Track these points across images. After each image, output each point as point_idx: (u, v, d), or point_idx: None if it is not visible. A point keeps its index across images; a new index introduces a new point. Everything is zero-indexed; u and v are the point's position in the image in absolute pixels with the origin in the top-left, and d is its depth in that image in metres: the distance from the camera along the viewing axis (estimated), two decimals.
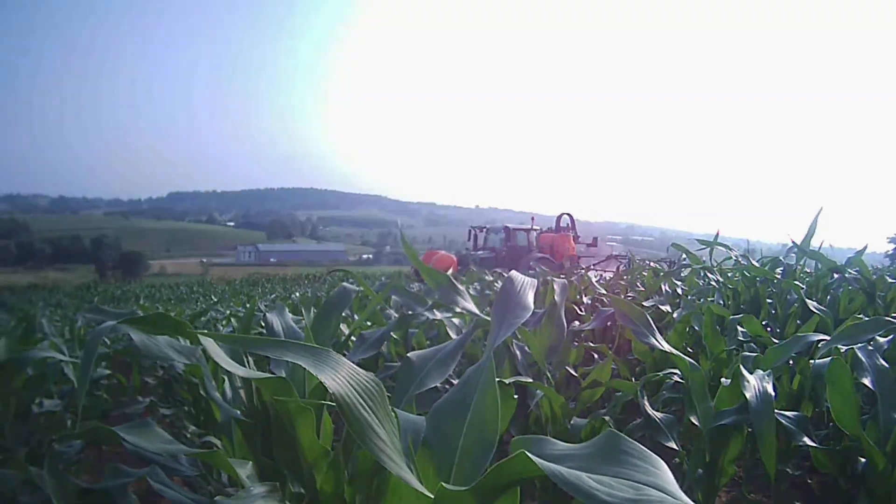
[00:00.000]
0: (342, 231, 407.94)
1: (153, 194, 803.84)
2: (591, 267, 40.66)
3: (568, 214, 47.07)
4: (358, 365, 1.58)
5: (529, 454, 1.15)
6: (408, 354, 2.42)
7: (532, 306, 2.11)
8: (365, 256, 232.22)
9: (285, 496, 2.06)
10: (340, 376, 1.46)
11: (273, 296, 20.57)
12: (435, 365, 2.32)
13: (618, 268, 39.30)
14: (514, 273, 2.38)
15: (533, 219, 47.36)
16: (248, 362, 2.67)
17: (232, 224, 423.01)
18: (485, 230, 46.19)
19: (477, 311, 3.43)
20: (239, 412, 2.59)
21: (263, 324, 3.06)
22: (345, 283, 3.14)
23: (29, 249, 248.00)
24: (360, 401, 1.42)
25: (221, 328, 8.53)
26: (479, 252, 43.16)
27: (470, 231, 46.39)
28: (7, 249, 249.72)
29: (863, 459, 3.40)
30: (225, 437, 3.43)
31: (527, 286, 2.24)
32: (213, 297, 34.43)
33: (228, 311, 10.21)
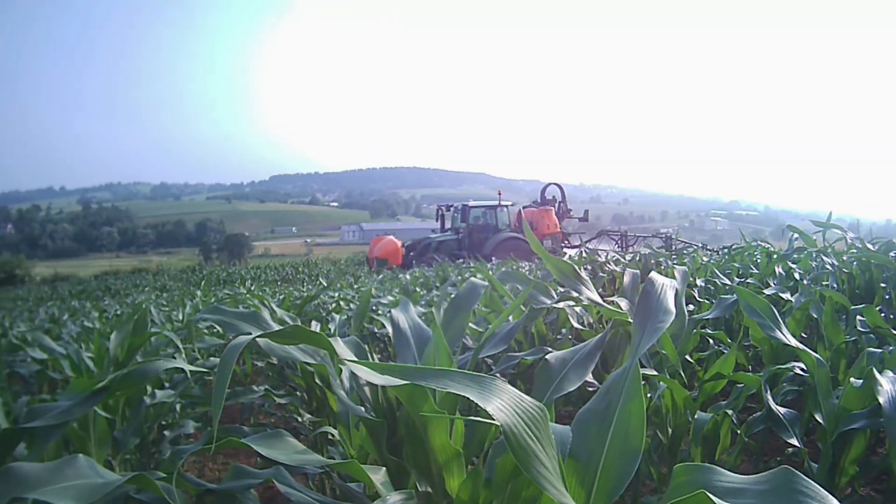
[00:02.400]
0: None
1: (255, 178, 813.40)
2: (583, 245, 38.89)
3: (556, 185, 43.74)
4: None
5: (709, 494, 1.09)
6: (546, 356, 2.36)
7: (674, 309, 2.02)
8: None
9: (417, 501, 2.02)
10: (506, 405, 1.40)
11: (380, 276, 20.55)
12: (573, 367, 2.26)
13: (628, 245, 37.79)
14: (654, 275, 2.29)
15: (500, 193, 43.24)
16: (370, 351, 2.64)
17: (335, 204, 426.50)
18: (452, 209, 42.18)
19: (602, 303, 3.36)
20: (363, 409, 2.54)
21: (389, 320, 3.01)
22: (473, 279, 3.07)
23: (132, 235, 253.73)
24: (526, 429, 1.37)
25: (328, 313, 8.54)
26: (437, 235, 40.45)
27: (437, 210, 43.08)
28: (110, 236, 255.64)
29: None
30: (342, 427, 3.40)
31: (667, 288, 2.16)
32: (319, 278, 34.55)
33: (337, 295, 10.18)
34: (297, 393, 5.14)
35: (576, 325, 4.81)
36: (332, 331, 5.54)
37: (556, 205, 42.04)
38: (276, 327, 2.35)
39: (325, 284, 13.59)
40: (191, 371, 2.56)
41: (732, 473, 1.33)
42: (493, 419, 1.34)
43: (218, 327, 7.76)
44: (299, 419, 5.05)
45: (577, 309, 4.97)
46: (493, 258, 30.17)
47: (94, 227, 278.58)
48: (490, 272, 15.00)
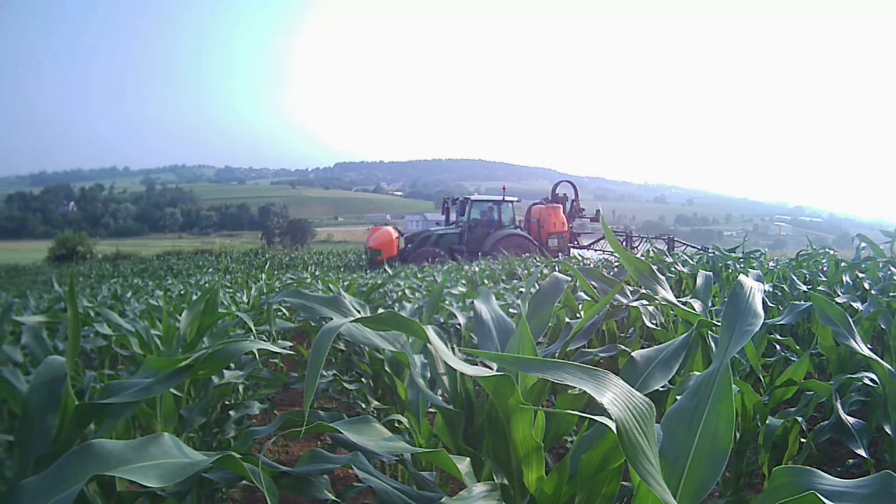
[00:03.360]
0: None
1: (320, 164, 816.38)
2: (591, 247, 38.02)
3: (569, 181, 42.27)
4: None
5: (820, 496, 1.09)
6: (632, 354, 2.36)
7: (762, 313, 2.01)
8: None
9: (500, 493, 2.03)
10: (619, 399, 1.41)
11: (445, 266, 20.53)
12: (658, 366, 2.26)
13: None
14: (742, 277, 2.28)
15: (504, 187, 41.40)
16: (449, 342, 2.65)
17: (400, 194, 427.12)
18: (458, 202, 40.23)
19: (677, 303, 3.35)
20: (441, 398, 2.55)
21: (461, 311, 3.02)
22: (556, 273, 3.08)
23: (195, 216, 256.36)
24: (636, 425, 1.37)
25: (395, 301, 8.56)
26: (438, 228, 39.32)
27: (444, 203, 41.36)
28: (173, 217, 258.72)
29: None
30: (411, 416, 3.41)
31: (755, 291, 2.14)
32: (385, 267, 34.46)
33: (404, 283, 10.16)
34: (363, 380, 5.16)
35: (648, 323, 4.78)
36: None
37: (570, 203, 40.75)
38: (356, 313, 2.36)
39: (390, 273, 13.56)
40: (271, 353, 2.57)
41: (832, 477, 1.33)
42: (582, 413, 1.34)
43: (284, 310, 7.83)
44: (363, 405, 5.07)
45: (650, 308, 4.95)
46: (493, 255, 29.83)
47: (157, 207, 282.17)
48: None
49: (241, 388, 5.41)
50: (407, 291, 9.04)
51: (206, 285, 15.49)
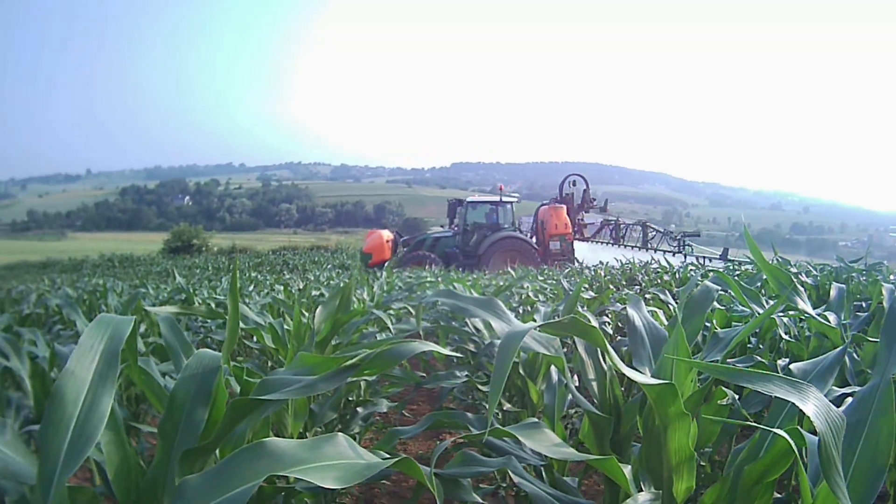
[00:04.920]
0: (627, 207, 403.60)
1: (437, 164, 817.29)
2: (592, 239, 36.61)
3: (580, 176, 40.71)
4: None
5: None
6: (790, 367, 2.37)
7: None
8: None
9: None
10: (820, 412, 1.43)
11: (567, 269, 20.47)
12: (814, 379, 2.26)
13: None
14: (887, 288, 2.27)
15: (501, 188, 40.73)
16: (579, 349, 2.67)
17: (516, 196, 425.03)
18: (462, 205, 37.65)
19: (814, 315, 3.33)
20: (590, 404, 2.57)
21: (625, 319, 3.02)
22: (707, 282, 3.07)
23: (310, 213, 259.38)
24: (833, 438, 1.39)
25: (519, 304, 8.57)
26: (434, 231, 38.02)
27: (449, 205, 39.02)
28: (289, 212, 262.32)
29: None
30: (546, 420, 3.44)
31: None
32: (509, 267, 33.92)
33: (528, 286, 10.09)
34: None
35: (783, 335, 4.72)
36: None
37: (581, 196, 39.43)
38: (511, 316, 2.39)
39: (515, 275, 13.53)
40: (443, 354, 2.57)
41: None
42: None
43: (409, 308, 7.88)
44: (479, 402, 5.09)
45: (786, 319, 4.90)
46: (489, 259, 29.84)
47: (272, 203, 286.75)
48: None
49: (363, 384, 5.47)
50: (531, 294, 9.02)
51: (328, 282, 15.63)
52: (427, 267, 26.22)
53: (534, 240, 35.88)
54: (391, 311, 7.25)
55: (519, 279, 10.83)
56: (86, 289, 14.91)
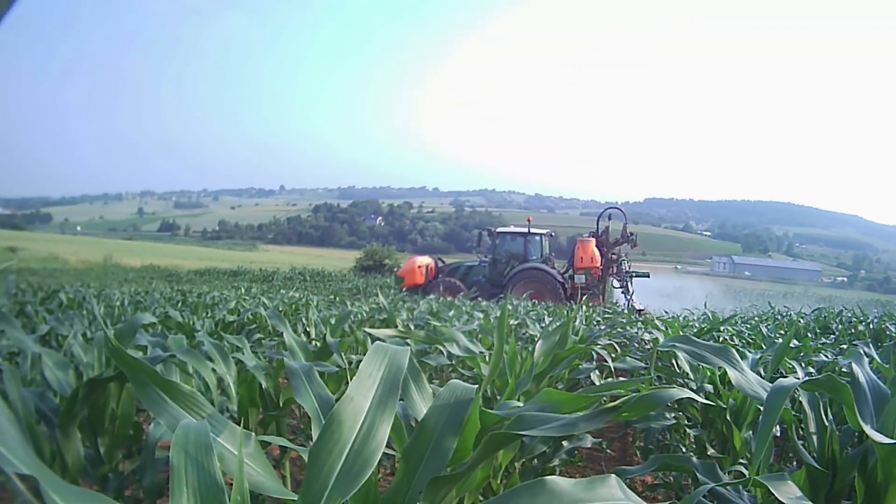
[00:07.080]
0: (818, 250, 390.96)
1: (630, 198, 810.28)
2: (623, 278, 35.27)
3: (617, 208, 39.61)
4: None
5: None
6: None
7: None
8: (839, 279, 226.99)
9: None
10: None
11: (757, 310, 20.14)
12: None
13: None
14: None
15: (530, 220, 39.60)
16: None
17: (708, 234, 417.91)
18: (492, 235, 38.50)
19: None
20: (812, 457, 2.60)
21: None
22: None
23: None
24: None
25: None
26: (468, 261, 38.96)
27: (479, 235, 40.42)
28: (481, 237, 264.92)
29: None
30: (752, 469, 3.52)
31: None
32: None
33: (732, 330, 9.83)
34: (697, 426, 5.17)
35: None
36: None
37: (621, 231, 37.92)
38: (743, 364, 2.47)
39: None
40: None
41: None
42: None
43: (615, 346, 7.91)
44: (683, 449, 5.13)
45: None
46: (510, 289, 28.81)
47: (465, 228, 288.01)
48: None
49: None
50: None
51: (527, 313, 15.69)
52: (453, 295, 27.76)
53: (569, 273, 35.84)
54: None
55: (723, 321, 10.46)
56: (283, 300, 15.44)
